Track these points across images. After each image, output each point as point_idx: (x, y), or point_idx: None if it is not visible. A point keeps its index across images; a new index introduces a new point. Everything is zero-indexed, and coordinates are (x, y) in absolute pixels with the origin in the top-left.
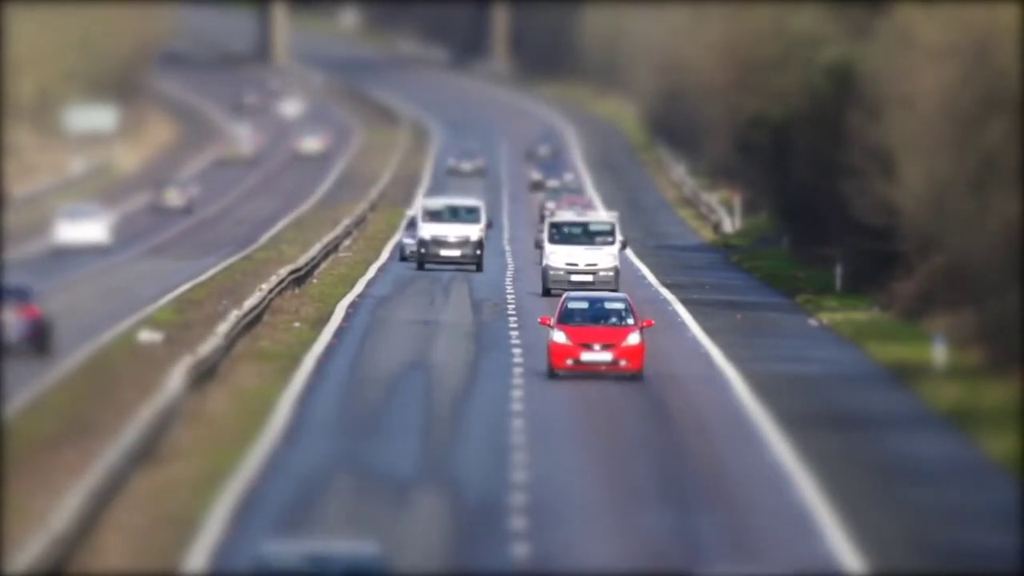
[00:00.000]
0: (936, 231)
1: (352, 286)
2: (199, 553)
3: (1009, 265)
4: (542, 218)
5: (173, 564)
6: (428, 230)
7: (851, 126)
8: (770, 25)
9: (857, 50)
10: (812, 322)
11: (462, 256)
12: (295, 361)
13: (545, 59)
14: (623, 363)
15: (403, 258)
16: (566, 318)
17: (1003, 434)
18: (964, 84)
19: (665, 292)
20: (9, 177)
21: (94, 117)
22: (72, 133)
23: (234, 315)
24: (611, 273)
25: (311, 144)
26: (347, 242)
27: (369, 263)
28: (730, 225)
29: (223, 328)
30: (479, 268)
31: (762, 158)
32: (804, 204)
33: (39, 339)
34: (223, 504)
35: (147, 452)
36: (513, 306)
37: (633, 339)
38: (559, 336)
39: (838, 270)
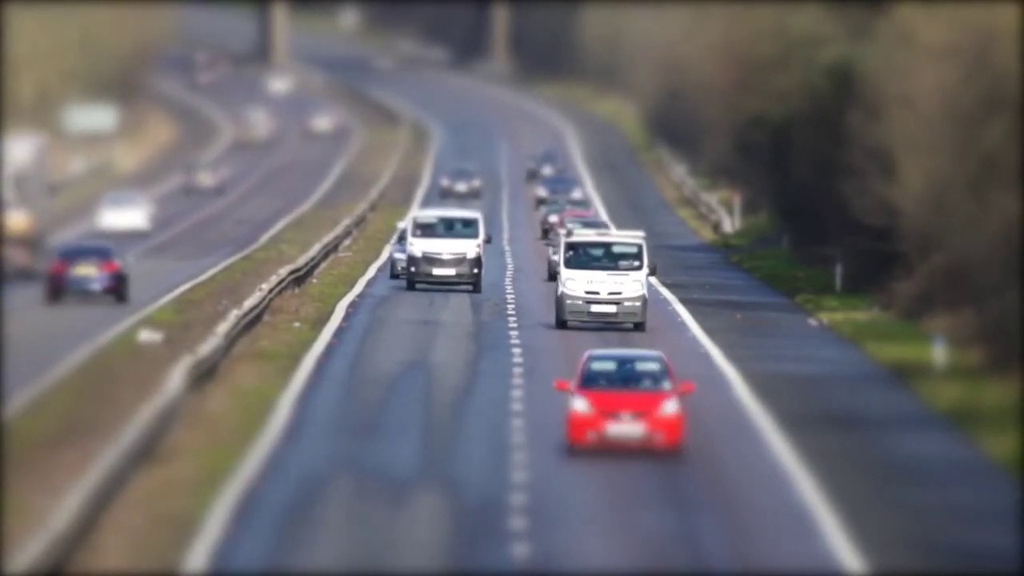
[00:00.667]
0: (936, 231)
1: (352, 286)
2: (199, 553)
3: (1009, 265)
4: (544, 233)
5: (173, 564)
6: (419, 246)
7: (851, 126)
8: (770, 25)
9: (857, 50)
10: (812, 322)
11: (457, 276)
12: (295, 361)
13: (545, 59)
14: (658, 437)
15: (394, 275)
16: (589, 381)
17: (1003, 434)
18: (964, 84)
19: (665, 292)
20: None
21: (94, 117)
22: (72, 133)
23: (234, 315)
24: (638, 303)
25: (322, 123)
26: (347, 242)
27: (369, 263)
28: (730, 225)
29: (223, 328)
30: (476, 289)
31: (762, 158)
32: (804, 204)
33: (119, 290)
34: (223, 504)
35: (147, 452)
36: (513, 306)
37: (670, 408)
38: (580, 404)
39: (838, 270)
